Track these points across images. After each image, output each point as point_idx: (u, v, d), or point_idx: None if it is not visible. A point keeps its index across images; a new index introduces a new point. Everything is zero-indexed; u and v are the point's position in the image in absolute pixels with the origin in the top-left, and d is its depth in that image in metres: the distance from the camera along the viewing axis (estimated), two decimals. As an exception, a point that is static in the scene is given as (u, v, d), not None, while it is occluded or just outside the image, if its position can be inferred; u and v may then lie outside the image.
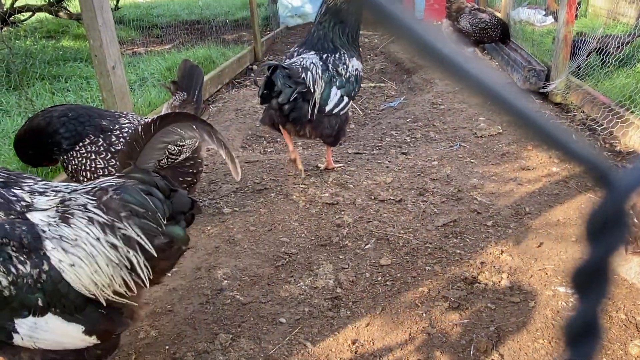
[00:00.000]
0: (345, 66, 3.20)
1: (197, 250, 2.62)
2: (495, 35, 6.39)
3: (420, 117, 4.37)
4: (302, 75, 3.03)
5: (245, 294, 2.31)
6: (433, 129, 4.12)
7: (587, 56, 4.65)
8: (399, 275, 2.41)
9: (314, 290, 2.32)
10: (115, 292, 1.46)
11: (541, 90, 4.85)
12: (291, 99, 2.98)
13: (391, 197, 3.08)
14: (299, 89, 3.00)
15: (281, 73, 2.96)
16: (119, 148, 2.30)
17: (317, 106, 3.08)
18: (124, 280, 1.46)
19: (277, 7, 9.37)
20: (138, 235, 1.47)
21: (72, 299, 1.38)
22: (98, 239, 1.42)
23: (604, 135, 3.77)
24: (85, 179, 2.31)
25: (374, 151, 3.81)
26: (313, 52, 3.18)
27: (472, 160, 3.51)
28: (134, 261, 1.46)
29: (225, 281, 2.39)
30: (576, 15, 4.74)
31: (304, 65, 3.08)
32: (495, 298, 2.22)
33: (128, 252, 1.46)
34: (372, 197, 3.09)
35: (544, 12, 7.80)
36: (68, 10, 7.30)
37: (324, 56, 3.17)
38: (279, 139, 4.56)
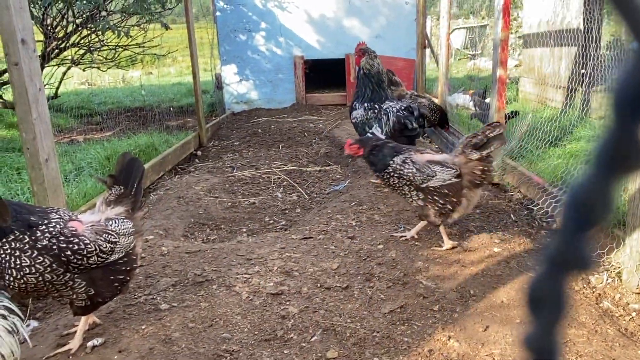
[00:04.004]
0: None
1: (129, 353, 2.48)
2: (434, 120, 6.77)
3: (365, 201, 4.48)
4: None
5: (182, 399, 2.18)
6: (378, 212, 4.22)
7: (519, 140, 4.98)
8: (346, 368, 2.36)
9: (257, 390, 2.22)
10: None
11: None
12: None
13: (337, 284, 3.07)
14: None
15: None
16: (44, 244, 2.23)
17: None
18: (15, 344, 1.81)
19: (222, 94, 9.65)
20: (10, 303, 1.90)
21: None
22: None
23: (541, 215, 3.97)
24: (12, 277, 2.20)
25: (320, 236, 3.84)
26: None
27: (416, 243, 3.59)
28: (18, 325, 1.86)
29: (160, 386, 2.26)
30: (507, 101, 5.13)
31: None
32: (445, 388, 2.20)
33: (13, 318, 1.86)
34: (319, 285, 3.07)
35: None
36: (2, 99, 7.25)
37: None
38: (222, 226, 4.54)
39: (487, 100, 7.09)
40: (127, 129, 7.37)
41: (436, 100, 7.43)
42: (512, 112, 6.13)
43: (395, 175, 3.48)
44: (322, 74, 9.96)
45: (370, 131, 4.91)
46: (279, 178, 5.67)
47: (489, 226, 3.83)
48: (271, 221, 4.59)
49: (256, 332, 2.65)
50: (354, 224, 4.05)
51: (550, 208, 3.89)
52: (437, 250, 3.46)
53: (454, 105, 7.54)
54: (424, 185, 3.40)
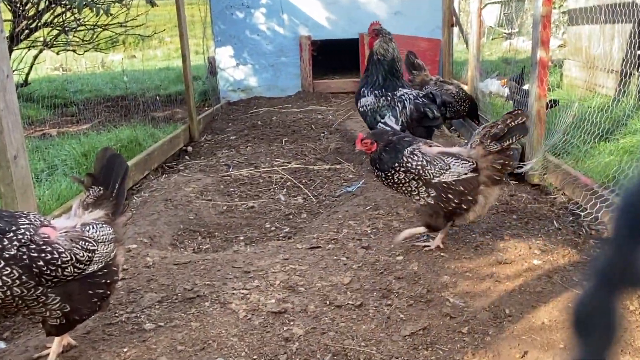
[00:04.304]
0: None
1: (109, 379, 2.50)
2: (463, 110, 6.77)
3: (381, 204, 4.48)
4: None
5: None
6: (397, 218, 4.22)
7: (564, 133, 4.95)
8: (360, 399, 2.36)
9: None
10: None
11: (516, 170, 5.08)
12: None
13: (350, 302, 3.08)
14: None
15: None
16: (12, 253, 2.25)
17: None
18: None
19: (216, 81, 9.69)
20: None
21: None
22: None
23: (589, 222, 3.95)
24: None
25: (330, 245, 3.85)
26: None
27: (442, 254, 3.58)
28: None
29: (145, 418, 2.28)
30: (549, 88, 5.10)
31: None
32: (475, 423, 2.19)
33: None
34: (328, 302, 3.08)
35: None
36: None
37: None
38: (216, 234, 4.55)
39: (526, 87, 7.04)
40: (107, 121, 7.42)
41: (465, 88, 7.43)
42: (552, 100, 6.10)
43: (402, 169, 3.50)
44: (333, 56, 9.97)
45: (382, 121, 4.92)
46: (281, 178, 5.68)
47: (527, 234, 3.82)
48: (273, 228, 4.61)
49: (255, 357, 2.65)
50: (369, 231, 4.05)
51: (600, 213, 3.87)
52: (467, 262, 3.46)
53: (487, 92, 7.52)
54: (436, 180, 3.45)
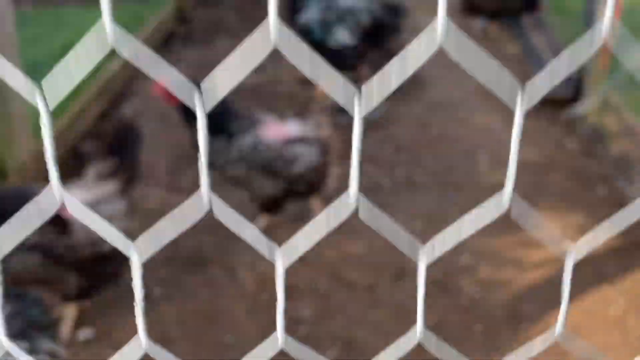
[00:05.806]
0: None
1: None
2: (517, 2, 6.19)
3: (404, 145, 4.45)
4: None
5: None
6: (420, 168, 4.20)
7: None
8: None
9: None
10: None
11: (570, 112, 4.79)
12: None
13: (361, 280, 3.29)
14: None
15: None
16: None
17: None
18: None
19: None
20: None
21: None
22: None
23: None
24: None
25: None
26: None
27: (464, 224, 3.74)
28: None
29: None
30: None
31: None
32: None
33: None
34: (338, 279, 3.29)
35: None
36: None
37: None
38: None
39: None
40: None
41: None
42: None
43: (243, 165, 3.52)
44: None
45: (334, 38, 5.01)
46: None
47: (565, 205, 3.84)
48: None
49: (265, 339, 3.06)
50: (387, 183, 4.08)
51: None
52: (492, 239, 3.45)
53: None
54: (285, 174, 3.55)
